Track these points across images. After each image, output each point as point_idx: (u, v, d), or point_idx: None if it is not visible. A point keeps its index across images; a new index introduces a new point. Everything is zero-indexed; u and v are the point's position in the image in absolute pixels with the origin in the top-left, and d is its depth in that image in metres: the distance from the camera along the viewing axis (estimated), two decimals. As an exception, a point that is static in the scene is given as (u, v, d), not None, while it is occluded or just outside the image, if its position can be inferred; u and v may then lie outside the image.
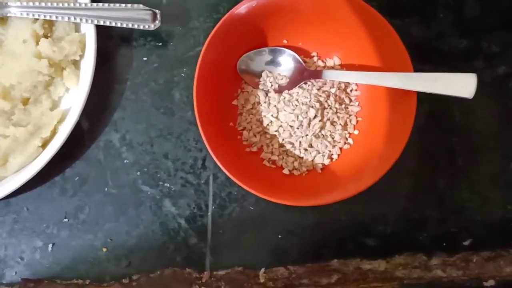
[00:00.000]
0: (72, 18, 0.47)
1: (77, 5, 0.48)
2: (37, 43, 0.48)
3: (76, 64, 0.49)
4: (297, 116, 0.46)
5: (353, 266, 0.49)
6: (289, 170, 0.47)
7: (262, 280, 0.48)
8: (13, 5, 0.47)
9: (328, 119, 0.47)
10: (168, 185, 0.49)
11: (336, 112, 0.48)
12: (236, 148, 0.48)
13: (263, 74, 0.49)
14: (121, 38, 0.52)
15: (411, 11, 0.52)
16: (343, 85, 0.48)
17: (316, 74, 0.47)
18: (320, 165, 0.48)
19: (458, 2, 0.53)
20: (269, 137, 0.48)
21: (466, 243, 0.49)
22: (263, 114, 0.48)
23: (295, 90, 0.48)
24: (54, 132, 0.48)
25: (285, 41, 0.49)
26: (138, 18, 0.48)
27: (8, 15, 0.48)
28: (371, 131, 0.47)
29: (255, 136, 0.48)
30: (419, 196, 0.50)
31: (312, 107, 0.46)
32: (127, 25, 0.48)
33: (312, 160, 0.47)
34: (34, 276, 0.48)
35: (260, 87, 0.49)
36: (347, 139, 0.48)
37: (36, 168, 0.46)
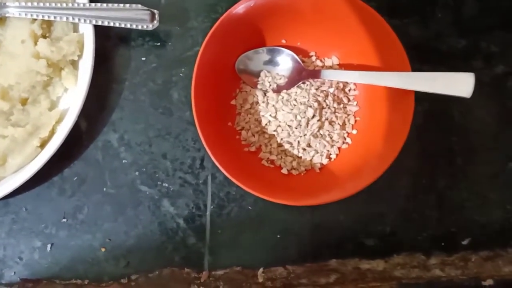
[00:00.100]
0: (71, 18, 0.48)
1: (75, 5, 0.48)
2: (36, 43, 0.48)
3: (74, 64, 0.49)
4: (296, 116, 0.46)
5: (352, 265, 0.49)
6: (287, 170, 0.47)
7: (260, 280, 0.48)
8: (11, 5, 0.48)
9: (327, 119, 0.47)
10: (166, 185, 0.49)
11: (335, 112, 0.48)
12: (234, 148, 0.48)
13: (262, 74, 0.49)
14: (120, 38, 0.52)
15: (410, 11, 0.52)
16: (341, 85, 0.48)
17: (315, 73, 0.47)
18: (319, 165, 0.48)
19: (457, 2, 0.53)
20: (267, 136, 0.48)
21: (465, 242, 0.49)
22: (261, 114, 0.48)
23: (294, 89, 0.48)
24: (52, 132, 0.48)
25: (283, 41, 0.49)
26: (137, 18, 0.48)
27: (7, 15, 0.48)
28: (369, 130, 0.47)
29: (253, 136, 0.48)
30: (418, 195, 0.50)
31: (311, 106, 0.46)
32: (125, 25, 0.48)
33: (311, 160, 0.47)
34: (33, 276, 0.48)
35: (259, 86, 0.49)
36: (345, 138, 0.48)
37: (35, 168, 0.46)
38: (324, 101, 0.47)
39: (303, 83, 0.48)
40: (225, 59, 0.48)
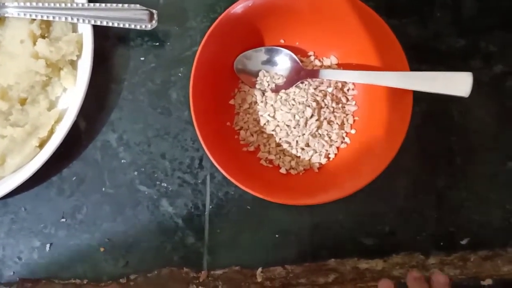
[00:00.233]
0: (69, 18, 0.48)
1: (74, 5, 0.48)
2: (35, 44, 0.48)
3: (73, 64, 0.49)
4: (294, 116, 0.46)
5: (350, 265, 0.49)
6: (286, 170, 0.47)
7: (259, 280, 0.48)
8: (10, 5, 0.48)
9: (325, 119, 0.47)
10: (165, 185, 0.49)
11: (333, 112, 0.48)
12: (233, 147, 0.48)
13: (260, 74, 0.49)
14: (118, 38, 0.52)
15: (409, 11, 0.52)
16: (340, 85, 0.48)
17: (313, 73, 0.47)
18: (317, 165, 0.47)
19: (456, 2, 0.53)
20: (266, 136, 0.48)
21: (464, 242, 0.49)
22: (260, 113, 0.48)
23: (292, 89, 0.48)
24: (51, 132, 0.48)
25: (282, 41, 0.49)
26: (135, 18, 0.48)
27: (6, 15, 0.48)
28: (368, 130, 0.47)
29: (252, 135, 0.48)
30: (417, 195, 0.49)
31: (309, 106, 0.46)
32: (124, 25, 0.48)
33: (309, 160, 0.47)
34: (32, 276, 0.48)
35: (257, 86, 0.49)
36: (344, 138, 0.48)
37: (34, 168, 0.46)
38: (323, 100, 0.47)
39: (302, 82, 0.48)
40: (224, 58, 0.48)
